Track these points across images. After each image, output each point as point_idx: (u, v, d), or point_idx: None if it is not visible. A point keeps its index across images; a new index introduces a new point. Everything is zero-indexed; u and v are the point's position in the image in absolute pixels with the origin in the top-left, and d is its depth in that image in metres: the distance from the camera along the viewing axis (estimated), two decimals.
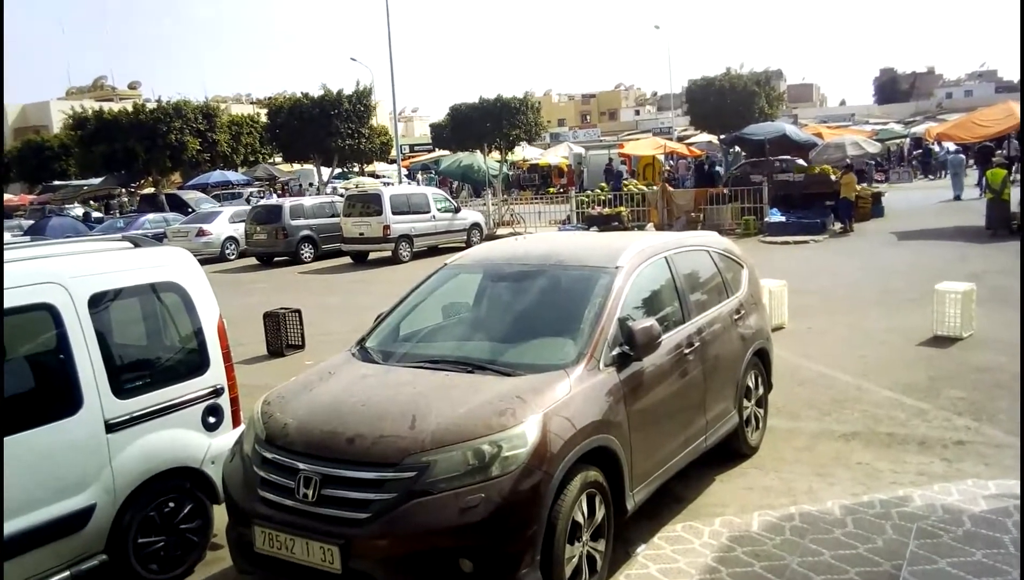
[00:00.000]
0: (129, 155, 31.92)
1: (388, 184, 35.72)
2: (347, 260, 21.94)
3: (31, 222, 29.24)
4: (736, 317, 6.18)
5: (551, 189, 39.10)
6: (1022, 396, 6.63)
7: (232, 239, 24.42)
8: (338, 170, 40.56)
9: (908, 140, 43.92)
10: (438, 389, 4.42)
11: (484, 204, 28.13)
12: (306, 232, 22.52)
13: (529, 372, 4.49)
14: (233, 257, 24.30)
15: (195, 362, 5.14)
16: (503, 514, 3.79)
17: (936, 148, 36.89)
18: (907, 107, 70.54)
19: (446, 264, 6.05)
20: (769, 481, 5.88)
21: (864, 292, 12.75)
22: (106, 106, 36.48)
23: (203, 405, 5.11)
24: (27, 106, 62.44)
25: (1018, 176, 26.44)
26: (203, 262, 5.68)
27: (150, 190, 35.61)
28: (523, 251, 5.92)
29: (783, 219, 20.84)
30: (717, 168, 25.30)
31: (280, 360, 10.73)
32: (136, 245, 5.27)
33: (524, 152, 43.02)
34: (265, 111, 39.20)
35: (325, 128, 33.11)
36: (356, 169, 47.38)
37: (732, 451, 6.20)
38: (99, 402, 4.52)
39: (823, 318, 11.01)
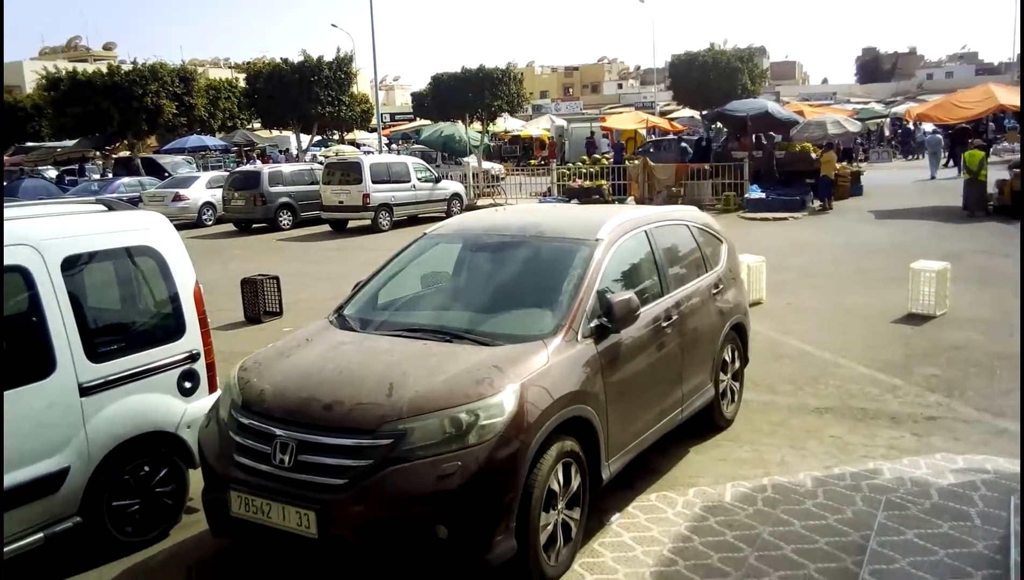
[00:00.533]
0: (103, 117, 31.38)
1: (368, 152, 35.45)
2: (326, 228, 21.80)
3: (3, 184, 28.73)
4: (714, 291, 6.22)
5: (532, 161, 38.98)
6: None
7: (209, 205, 24.17)
8: (317, 138, 40.17)
9: (888, 120, 44.15)
10: (416, 357, 4.42)
11: (464, 174, 27.99)
12: (285, 199, 22.34)
13: (507, 342, 4.49)
14: (210, 223, 24.07)
15: (171, 327, 5.10)
16: (479, 482, 3.81)
17: (915, 129, 37.15)
18: (888, 87, 70.93)
19: (426, 233, 6.02)
20: (743, 453, 5.96)
21: (842, 269, 12.87)
22: (80, 67, 35.77)
23: (179, 370, 5.07)
24: None
25: (997, 158, 26.78)
26: (179, 228, 5.62)
27: (125, 154, 35.08)
28: (503, 222, 5.90)
29: (763, 195, 20.94)
30: (715, 146, 25.27)
31: (257, 327, 10.68)
32: (110, 208, 5.20)
33: (506, 123, 42.86)
34: (244, 76, 38.70)
35: (305, 95, 32.80)
36: (336, 137, 46.98)
37: (708, 423, 6.26)
38: (72, 365, 4.48)
39: (801, 294, 11.10)
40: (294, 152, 40.32)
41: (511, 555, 3.92)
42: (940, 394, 6.99)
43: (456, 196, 23.38)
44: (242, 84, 38.51)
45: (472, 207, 22.90)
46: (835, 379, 7.52)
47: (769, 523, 4.85)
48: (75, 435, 4.48)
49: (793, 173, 22.30)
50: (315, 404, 4.11)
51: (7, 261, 4.24)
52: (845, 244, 15.34)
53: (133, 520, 4.81)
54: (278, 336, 6.14)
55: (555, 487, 4.21)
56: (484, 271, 5.61)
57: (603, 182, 23.73)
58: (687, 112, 42.46)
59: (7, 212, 4.72)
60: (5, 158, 41.83)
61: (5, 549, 4.17)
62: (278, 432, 4.05)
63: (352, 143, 47.92)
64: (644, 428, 5.18)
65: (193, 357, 5.16)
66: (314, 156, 36.94)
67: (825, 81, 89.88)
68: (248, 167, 27.75)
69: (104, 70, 33.11)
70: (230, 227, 23.04)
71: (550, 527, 4.21)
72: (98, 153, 36.45)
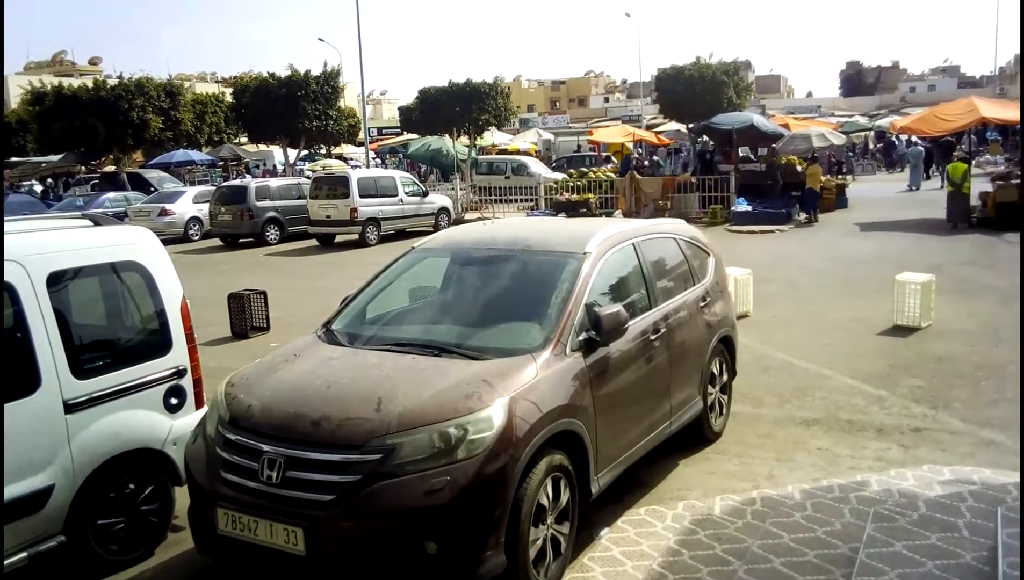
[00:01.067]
0: (89, 132, 31.25)
1: (356, 167, 35.46)
2: (313, 242, 21.75)
3: None
4: (702, 304, 6.24)
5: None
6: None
7: (196, 219, 24.09)
8: (304, 152, 40.16)
9: (872, 133, 44.57)
10: (404, 372, 4.41)
11: (452, 188, 28.02)
12: (272, 214, 22.28)
13: (496, 356, 4.49)
14: (197, 238, 23.98)
15: (157, 343, 5.06)
16: (468, 497, 3.80)
17: (898, 142, 37.52)
18: (872, 100, 71.59)
19: (414, 247, 6.02)
20: (732, 466, 5.96)
21: (828, 281, 12.94)
22: (65, 81, 35.67)
23: (165, 386, 5.04)
24: None
25: (980, 170, 27.06)
26: (166, 243, 5.60)
27: (111, 168, 34.94)
28: (491, 236, 5.91)
29: (749, 208, 21.05)
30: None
31: (245, 342, 10.63)
32: (96, 223, 5.17)
33: (493, 137, 42.96)
34: (231, 90, 38.66)
35: (292, 109, 32.82)
36: (323, 151, 46.97)
37: (696, 436, 6.26)
38: (57, 382, 4.44)
39: (787, 306, 11.15)
40: (279, 166, 40.25)
41: (501, 571, 3.90)
42: (926, 405, 7.02)
43: (444, 210, 23.39)
44: (229, 98, 38.46)
45: (460, 221, 22.90)
46: (822, 391, 7.54)
47: (758, 536, 4.85)
48: (60, 453, 4.44)
49: (770, 186, 22.44)
50: (303, 419, 4.09)
51: None
52: (831, 256, 15.43)
53: (118, 538, 4.76)
54: (265, 351, 6.12)
55: (544, 501, 4.20)
56: (472, 285, 5.60)
57: (590, 195, 23.82)
58: (673, 125, 42.66)
59: None
60: None
61: None
62: (266, 448, 4.02)
63: (340, 157, 47.94)
64: (633, 441, 5.17)
65: (180, 373, 5.13)
66: (301, 170, 36.92)
67: (810, 94, 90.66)
68: (235, 181, 27.67)
69: (90, 84, 33.03)
70: (217, 242, 22.95)
71: (539, 542, 4.20)
72: (83, 168, 36.29)
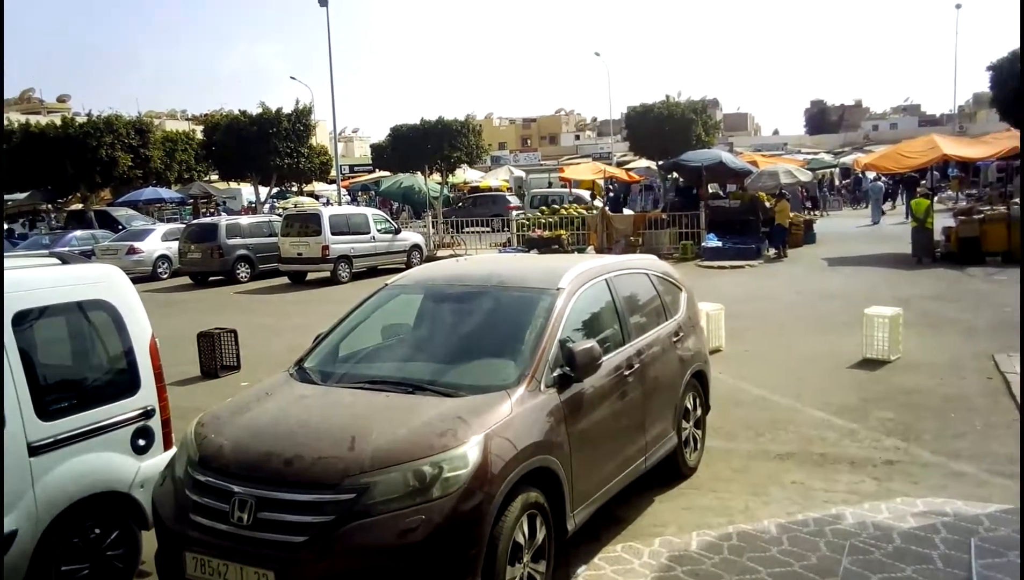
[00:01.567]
0: (56, 170, 30.93)
1: (327, 204, 35.39)
2: (285, 280, 21.60)
3: None
4: (675, 339, 6.26)
5: None
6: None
7: (165, 257, 23.87)
8: (276, 189, 40.02)
9: (838, 169, 45.42)
10: (378, 410, 4.37)
11: (424, 226, 28.05)
12: (243, 251, 22.14)
13: (470, 393, 4.46)
14: (165, 276, 23.74)
15: (125, 383, 4.97)
16: (443, 536, 3.75)
17: (863, 178, 38.25)
18: (836, 138, 73.07)
19: (387, 284, 6.00)
20: (707, 501, 5.95)
21: (798, 316, 13.08)
22: (33, 119, 35.35)
23: (133, 427, 4.94)
24: None
25: (942, 206, 27.67)
26: (134, 281, 5.52)
27: (78, 206, 34.55)
28: (464, 272, 5.91)
29: (719, 244, 21.29)
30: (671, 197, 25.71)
31: (215, 381, 10.48)
32: (64, 261, 5.10)
33: (465, 174, 43.13)
34: (201, 128, 38.53)
35: (263, 146, 32.70)
36: (295, 188, 46.84)
37: (671, 472, 6.25)
38: (22, 424, 4.33)
39: (759, 341, 11.23)
40: (245, 203, 40.01)
41: None
42: (897, 438, 7.08)
43: (416, 247, 23.39)
44: (200, 136, 38.30)
45: (432, 258, 22.90)
46: (794, 425, 7.58)
47: (735, 571, 4.82)
48: (23, 497, 4.31)
49: (747, 222, 22.76)
50: (275, 459, 4.02)
51: None
52: (800, 291, 15.62)
53: None
54: (236, 391, 6.04)
55: (520, 540, 4.16)
56: (446, 321, 5.59)
57: (562, 232, 23.94)
58: (643, 162, 43.13)
59: None
60: None
61: None
62: (236, 489, 3.95)
63: (311, 194, 47.82)
64: (609, 478, 5.15)
65: (148, 413, 5.03)
66: (273, 207, 36.76)
67: (776, 132, 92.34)
68: (205, 219, 27.47)
69: (58, 122, 32.76)
70: (186, 280, 22.72)
71: None
72: (50, 206, 35.86)
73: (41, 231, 31.39)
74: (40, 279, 4.73)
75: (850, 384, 8.87)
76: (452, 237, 27.43)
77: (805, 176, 26.78)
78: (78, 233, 26.15)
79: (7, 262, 5.07)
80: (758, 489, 6.12)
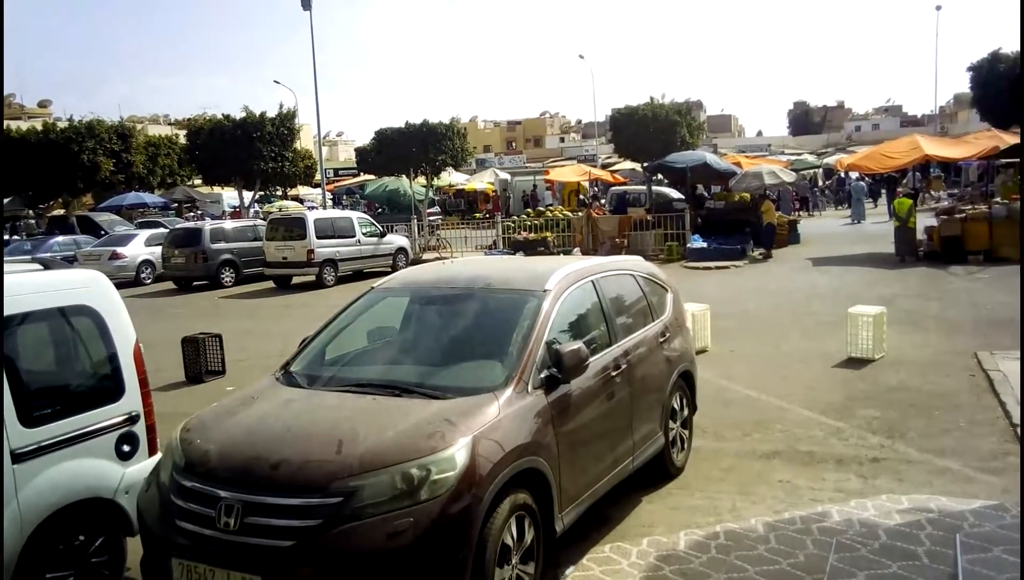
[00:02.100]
0: (38, 175, 30.68)
1: (312, 208, 35.28)
2: (270, 285, 21.50)
3: None
4: (661, 340, 6.28)
5: (477, 214, 39.23)
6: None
7: (148, 262, 23.70)
8: (260, 193, 39.86)
9: (821, 170, 45.74)
10: (365, 413, 4.35)
11: (409, 229, 27.99)
12: (227, 256, 22.00)
13: (458, 395, 4.46)
14: (149, 281, 23.57)
15: (109, 388, 4.93)
16: (432, 538, 3.74)
17: (846, 178, 38.56)
18: (819, 139, 73.59)
19: (373, 288, 5.99)
20: (695, 500, 5.97)
21: (783, 316, 13.14)
22: (14, 124, 35.05)
23: (117, 433, 4.90)
24: None
25: (924, 205, 27.94)
26: (118, 286, 5.47)
27: (60, 212, 34.28)
28: (450, 275, 5.91)
29: (704, 245, 21.37)
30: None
31: (200, 386, 10.41)
32: (46, 267, 5.06)
33: (450, 177, 43.12)
34: (184, 132, 38.32)
35: (247, 150, 32.54)
36: (279, 192, 46.67)
37: (659, 472, 6.26)
38: (5, 431, 4.28)
39: (745, 341, 11.28)
40: (227, 210, 39.78)
41: None
42: (882, 436, 7.12)
43: (402, 250, 23.35)
44: (183, 140, 38.09)
45: (418, 261, 22.87)
46: (781, 423, 7.62)
47: (723, 570, 4.84)
48: (7, 505, 4.26)
49: (733, 223, 22.86)
50: (262, 464, 4.00)
51: None
52: (785, 291, 15.69)
53: None
54: (221, 396, 6.00)
55: (509, 541, 4.16)
56: (433, 324, 5.59)
57: (548, 234, 23.98)
58: (628, 164, 43.28)
59: None
60: None
61: None
62: (223, 494, 3.92)
63: (296, 198, 47.64)
64: (597, 478, 5.16)
65: (132, 419, 4.99)
66: (257, 213, 36.58)
67: (760, 133, 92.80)
68: (189, 224, 27.31)
69: (39, 128, 32.50)
70: (170, 285, 22.57)
71: None
72: (31, 212, 35.56)
73: (23, 237, 31.10)
74: (22, 285, 4.68)
75: (835, 383, 8.92)
76: (438, 240, 27.39)
77: (789, 177, 26.92)
78: (60, 239, 25.93)
79: None
80: (745, 488, 6.14)
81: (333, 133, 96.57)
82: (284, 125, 33.99)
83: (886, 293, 14.05)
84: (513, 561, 4.22)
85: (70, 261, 21.21)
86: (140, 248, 23.90)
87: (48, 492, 4.45)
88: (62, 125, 33.26)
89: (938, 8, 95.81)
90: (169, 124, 66.43)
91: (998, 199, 21.43)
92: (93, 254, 23.43)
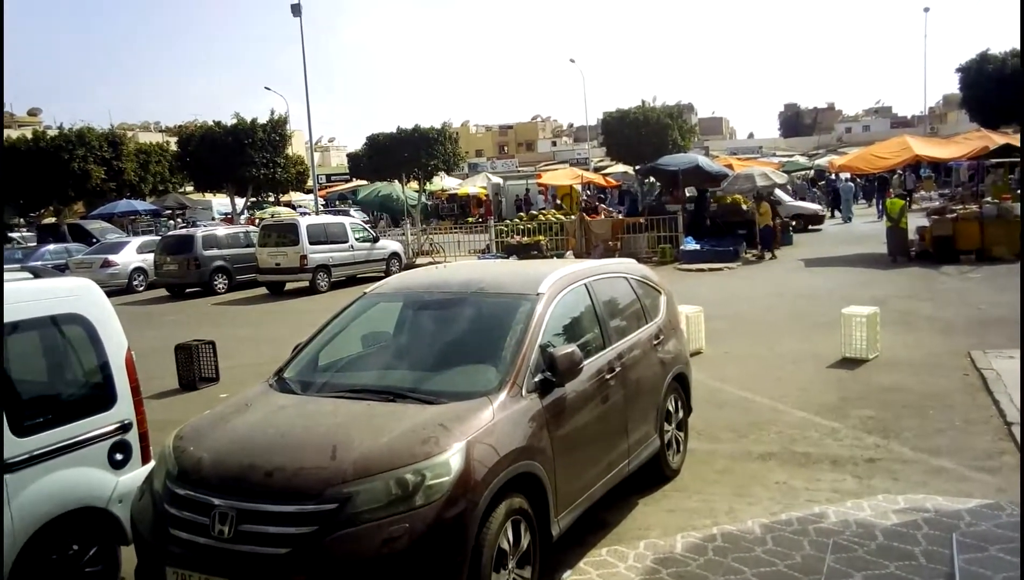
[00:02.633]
0: (28, 183, 30.57)
1: (305, 213, 35.23)
2: (263, 291, 21.45)
3: None
4: (655, 342, 6.27)
5: (470, 219, 39.23)
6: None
7: (140, 270, 23.62)
8: (252, 200, 39.78)
9: (813, 172, 45.91)
10: (359, 418, 4.33)
11: (403, 234, 27.98)
12: (220, 262, 21.94)
13: (452, 400, 4.44)
14: (141, 289, 23.49)
15: (101, 397, 4.90)
16: (427, 544, 3.72)
17: (835, 179, 38.72)
18: (810, 140, 73.97)
19: (366, 293, 5.97)
20: (691, 503, 5.96)
21: (777, 317, 13.15)
22: (4, 132, 34.88)
23: (110, 441, 4.86)
24: None
25: (916, 206, 28.06)
26: (109, 294, 5.46)
27: (51, 220, 34.15)
28: (443, 279, 5.89)
29: (697, 247, 21.39)
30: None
31: (193, 393, 10.37)
32: (37, 276, 5.02)
33: (443, 182, 43.13)
34: (175, 139, 38.27)
35: (239, 157, 32.51)
36: (272, 199, 46.58)
37: (655, 474, 6.25)
38: (4, 430, 4.24)
39: (739, 343, 11.29)
40: (217, 217, 39.68)
41: None
42: (877, 436, 7.13)
43: (395, 255, 23.33)
44: (174, 148, 38.03)
45: (411, 266, 22.85)
46: (776, 425, 7.61)
47: (721, 572, 4.82)
48: None
49: (725, 224, 22.90)
50: (256, 471, 3.98)
51: None
52: (778, 292, 15.71)
53: None
54: (215, 403, 5.97)
55: (505, 546, 4.14)
56: (426, 329, 5.57)
57: (541, 238, 23.98)
58: (620, 167, 43.35)
59: None
60: None
61: None
62: (216, 502, 3.90)
63: (288, 205, 47.58)
64: (592, 482, 5.14)
65: (125, 427, 4.96)
66: (248, 218, 36.52)
67: (751, 135, 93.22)
68: (181, 230, 27.25)
69: (29, 136, 32.39)
70: (163, 292, 22.50)
71: None
72: (21, 220, 35.43)
73: (14, 245, 30.96)
74: (12, 293, 4.65)
75: (830, 383, 8.93)
76: (432, 245, 27.38)
77: (780, 178, 26.99)
78: (51, 247, 25.85)
79: None
80: (741, 490, 6.14)
81: (325, 139, 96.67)
82: (276, 131, 34.00)
83: (879, 293, 14.07)
84: (509, 566, 4.19)
85: (61, 269, 21.10)
86: (132, 255, 23.82)
87: (41, 502, 4.42)
88: (52, 133, 33.16)
89: (926, 10, 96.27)
90: (160, 131, 66.34)
91: (989, 199, 21.51)
92: (84, 262, 23.33)
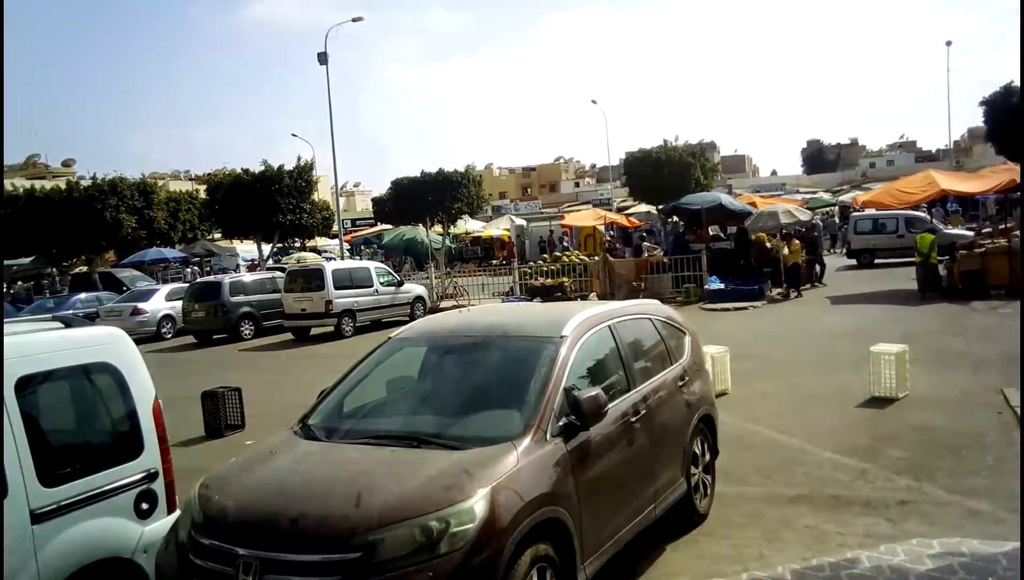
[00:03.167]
0: (62, 233, 31.23)
1: (330, 259, 35.59)
2: (289, 336, 21.59)
3: None
4: (680, 384, 6.23)
5: (494, 261, 39.40)
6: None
7: (169, 317, 23.89)
8: (279, 245, 40.30)
9: (837, 208, 45.71)
10: (384, 465, 4.33)
11: (427, 277, 28.14)
12: (246, 309, 22.16)
13: (476, 445, 4.42)
14: (170, 336, 23.74)
15: (128, 446, 4.93)
16: None
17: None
18: (834, 176, 73.69)
19: (390, 338, 6.00)
20: (720, 548, 5.85)
21: (804, 356, 13.01)
22: (38, 184, 35.76)
23: (136, 491, 4.89)
24: None
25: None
26: (138, 342, 5.53)
27: (83, 269, 34.79)
28: (467, 323, 5.91)
29: (722, 286, 21.29)
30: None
31: (219, 441, 10.41)
32: (67, 325, 5.10)
33: (467, 225, 43.46)
34: (204, 187, 38.98)
35: (266, 203, 33.00)
36: (298, 244, 47.15)
37: (682, 519, 6.16)
38: (25, 491, 4.29)
39: (765, 382, 11.16)
40: (241, 261, 40.17)
41: None
42: (909, 477, 6.98)
43: (419, 299, 23.42)
44: (203, 195, 38.74)
45: (435, 309, 22.93)
46: (804, 466, 7.49)
47: None
48: (26, 566, 4.25)
49: (743, 261, 22.77)
50: (280, 519, 3.98)
51: None
52: (805, 330, 15.56)
53: None
54: (240, 450, 6.00)
55: None
56: (450, 373, 5.57)
57: (565, 279, 24.00)
58: (643, 207, 43.47)
59: None
60: None
61: None
62: (241, 552, 3.89)
63: (314, 250, 48.13)
64: (619, 527, 5.08)
65: (151, 476, 4.98)
66: (276, 263, 36.95)
67: (774, 172, 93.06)
68: (209, 277, 27.63)
69: (63, 186, 33.16)
70: (190, 339, 22.73)
71: None
72: (54, 270, 36.10)
73: (46, 294, 31.53)
74: (43, 343, 4.73)
75: (860, 423, 8.79)
76: (456, 288, 27.49)
77: (804, 215, 26.90)
78: (83, 296, 26.29)
79: (10, 327, 5.08)
80: (771, 534, 6.02)
81: (350, 184, 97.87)
82: (302, 177, 34.52)
83: (908, 330, 13.89)
84: None
85: (91, 318, 21.43)
86: (161, 303, 24.13)
87: (68, 553, 4.43)
88: (85, 183, 33.91)
89: (948, 43, 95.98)
90: (190, 179, 67.61)
91: (1017, 232, 21.24)
92: (114, 310, 23.68)
